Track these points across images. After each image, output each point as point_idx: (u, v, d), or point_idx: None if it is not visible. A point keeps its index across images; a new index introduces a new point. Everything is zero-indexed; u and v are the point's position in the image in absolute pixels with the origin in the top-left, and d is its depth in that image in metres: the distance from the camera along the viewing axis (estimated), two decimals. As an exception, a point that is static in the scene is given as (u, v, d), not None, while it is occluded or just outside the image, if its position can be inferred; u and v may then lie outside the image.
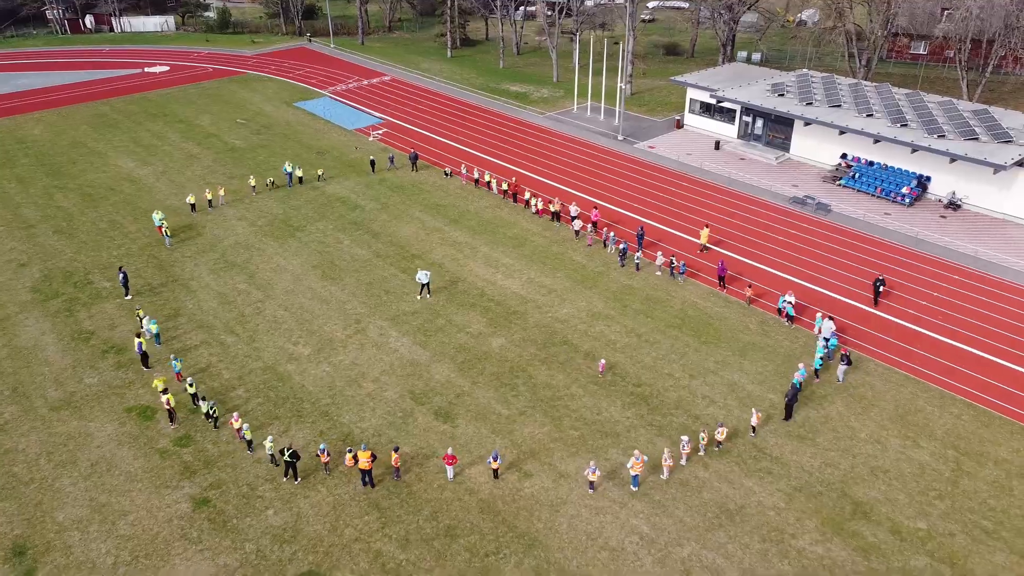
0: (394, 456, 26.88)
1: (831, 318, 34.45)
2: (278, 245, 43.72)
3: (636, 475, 26.46)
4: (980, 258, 41.28)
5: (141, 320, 35.20)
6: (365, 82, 77.24)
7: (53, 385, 32.34)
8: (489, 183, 50.49)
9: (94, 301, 38.38)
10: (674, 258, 40.10)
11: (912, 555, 24.25)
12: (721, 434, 28.14)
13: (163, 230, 43.84)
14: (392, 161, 54.59)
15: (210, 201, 48.39)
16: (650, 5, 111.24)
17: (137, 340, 33.10)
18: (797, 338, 34.81)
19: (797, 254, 42.28)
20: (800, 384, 30.34)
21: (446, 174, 53.05)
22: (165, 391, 30.12)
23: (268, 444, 27.57)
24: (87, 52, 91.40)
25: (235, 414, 29.11)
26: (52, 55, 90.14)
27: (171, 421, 29.96)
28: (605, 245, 42.85)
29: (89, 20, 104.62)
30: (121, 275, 38.48)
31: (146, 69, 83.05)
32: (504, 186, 49.62)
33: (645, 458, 26.83)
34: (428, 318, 36.61)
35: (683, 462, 27.68)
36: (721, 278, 38.74)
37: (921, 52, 77.54)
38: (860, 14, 70.62)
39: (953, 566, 23.86)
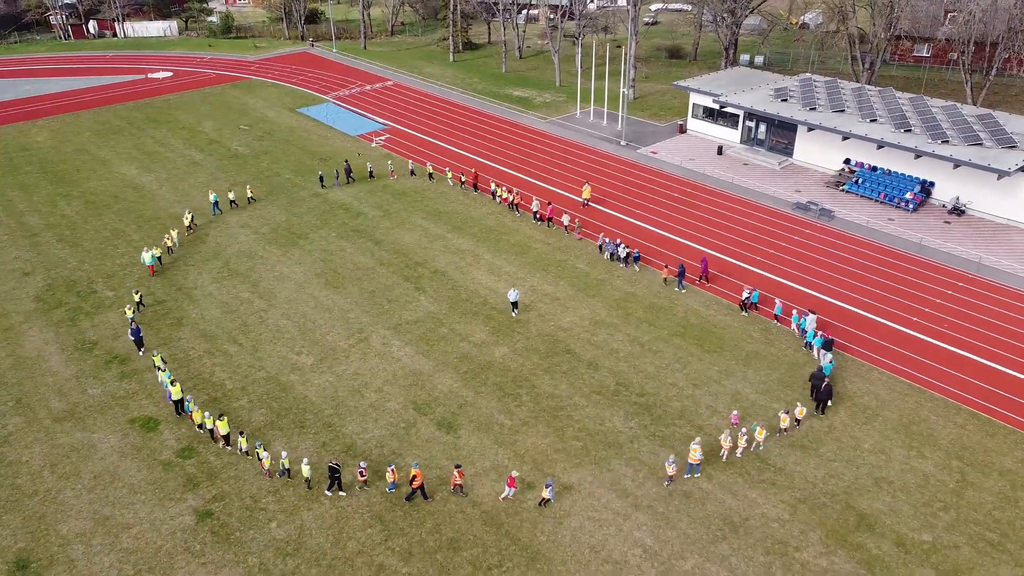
0: (456, 472, 26.58)
1: (812, 312, 35.14)
2: (281, 253, 43.76)
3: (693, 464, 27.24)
4: (984, 264, 41.14)
5: (137, 300, 37.06)
6: (368, 87, 77.30)
7: (56, 396, 32.39)
8: (494, 193, 50.22)
9: (97, 311, 38.43)
10: (671, 264, 40.11)
11: (917, 568, 24.15)
12: (759, 432, 28.44)
13: (173, 239, 43.55)
14: (349, 173, 53.07)
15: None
16: (652, 8, 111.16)
17: (129, 318, 34.97)
18: (800, 347, 34.70)
19: (800, 260, 42.18)
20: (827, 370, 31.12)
21: (430, 176, 53.30)
22: (221, 416, 29.08)
23: (283, 458, 27.42)
24: (90, 58, 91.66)
25: (259, 443, 28.45)
26: (56, 61, 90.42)
27: (225, 444, 29.31)
28: (601, 250, 42.74)
29: (92, 26, 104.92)
30: (133, 329, 34.39)
31: (149, 75, 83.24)
32: (508, 196, 49.22)
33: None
34: (431, 327, 36.60)
35: (723, 456, 28.23)
36: (703, 275, 39.63)
37: (924, 55, 77.36)
38: (863, 17, 70.46)
39: (958, 579, 23.78)
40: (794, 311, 36.10)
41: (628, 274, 40.92)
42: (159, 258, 41.75)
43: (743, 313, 37.32)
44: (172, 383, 30.65)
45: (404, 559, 24.67)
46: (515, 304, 36.99)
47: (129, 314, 35.71)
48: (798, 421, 29.81)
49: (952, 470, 27.81)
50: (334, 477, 26.84)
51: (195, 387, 32.61)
